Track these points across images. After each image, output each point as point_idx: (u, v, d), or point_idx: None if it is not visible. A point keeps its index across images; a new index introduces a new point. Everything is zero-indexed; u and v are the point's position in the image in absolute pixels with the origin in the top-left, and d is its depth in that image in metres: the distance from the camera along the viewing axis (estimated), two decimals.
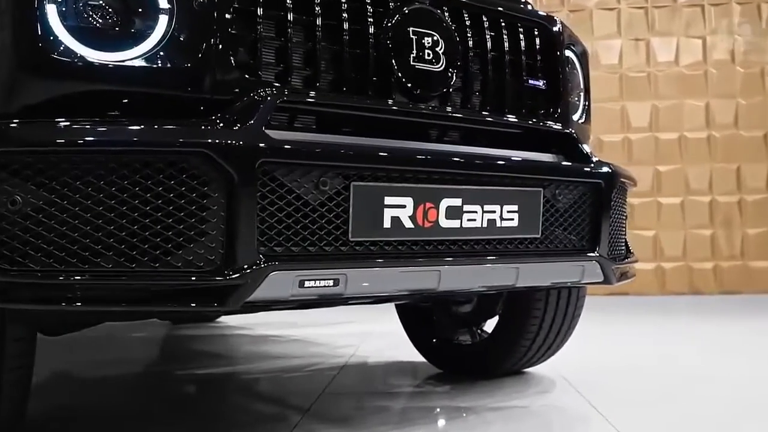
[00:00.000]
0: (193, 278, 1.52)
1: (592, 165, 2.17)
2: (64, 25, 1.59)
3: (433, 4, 1.98)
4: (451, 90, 2.01)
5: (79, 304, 1.51)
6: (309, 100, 1.74)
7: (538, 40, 2.23)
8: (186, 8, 1.65)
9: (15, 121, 1.54)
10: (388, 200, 1.75)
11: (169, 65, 1.64)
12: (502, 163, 1.97)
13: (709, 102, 6.57)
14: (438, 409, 2.42)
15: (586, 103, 2.55)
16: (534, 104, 2.22)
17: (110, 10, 1.63)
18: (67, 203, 1.49)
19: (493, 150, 2.04)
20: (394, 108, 1.86)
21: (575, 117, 2.47)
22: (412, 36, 1.92)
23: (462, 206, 1.87)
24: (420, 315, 3.06)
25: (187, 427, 2.25)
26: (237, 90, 1.67)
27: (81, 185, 1.49)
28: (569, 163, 2.16)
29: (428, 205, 1.82)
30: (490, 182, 1.93)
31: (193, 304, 1.54)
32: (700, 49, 6.63)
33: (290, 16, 1.75)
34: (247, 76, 1.69)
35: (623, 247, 2.40)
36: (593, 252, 2.15)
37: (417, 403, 2.53)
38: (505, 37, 2.13)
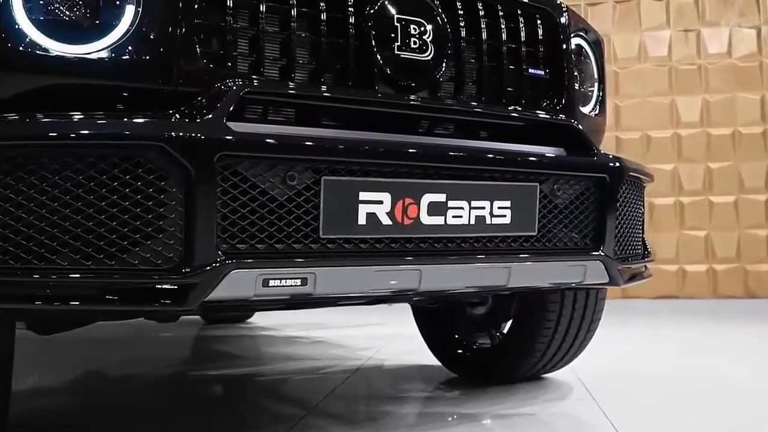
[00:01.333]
0: (148, 277, 1.47)
1: (596, 158, 2.04)
2: (30, 19, 1.55)
3: None
4: (441, 80, 1.91)
5: (35, 302, 1.47)
6: (278, 91, 1.67)
7: (540, 28, 2.11)
8: None
9: None
10: (363, 195, 1.66)
11: (136, 57, 1.59)
12: (492, 156, 1.85)
13: (764, 95, 6.26)
14: (439, 415, 2.32)
15: (601, 94, 2.41)
16: (535, 95, 2.10)
17: (76, 1, 1.59)
18: (22, 199, 1.45)
19: (486, 143, 1.94)
20: (371, 99, 1.77)
21: (586, 109, 2.33)
22: (396, 23, 1.82)
23: (446, 202, 1.77)
24: (435, 317, 2.95)
25: (182, 424, 2.21)
26: (206, 82, 1.61)
27: (35, 180, 1.45)
28: (570, 157, 2.03)
29: (408, 200, 1.72)
30: (479, 177, 1.82)
31: (148, 304, 1.49)
32: (755, 40, 6.32)
33: (263, 6, 1.68)
34: (216, 67, 1.63)
35: (637, 246, 2.25)
36: (597, 251, 2.02)
37: (419, 409, 2.43)
38: (502, 24, 2.01)
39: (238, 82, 1.62)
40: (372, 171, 1.68)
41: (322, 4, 1.75)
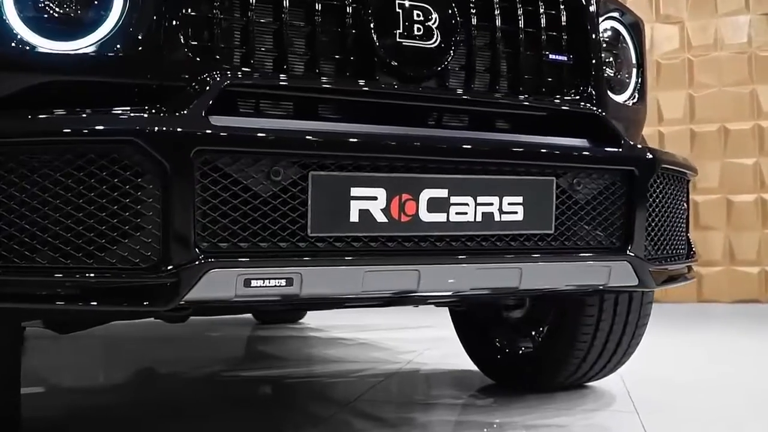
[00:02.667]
0: (123, 276, 1.42)
1: (622, 149, 1.88)
2: (20, 17, 1.53)
3: None
4: (449, 69, 1.79)
5: (11, 301, 1.45)
6: (264, 83, 1.59)
7: (563, 10, 1.96)
8: None
9: None
10: (355, 191, 1.57)
11: (124, 52, 1.54)
12: (501, 148, 1.72)
13: None
14: (465, 424, 2.20)
15: (639, 80, 2.23)
16: (557, 83, 1.95)
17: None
18: (2, 197, 1.43)
19: (494, 134, 1.81)
20: (365, 90, 1.67)
21: (622, 97, 2.17)
22: (398, 10, 1.72)
23: (448, 198, 1.65)
24: (472, 320, 2.83)
25: (203, 421, 2.18)
26: (195, 75, 1.55)
27: (15, 178, 1.42)
28: (592, 148, 1.87)
29: (405, 196, 1.61)
30: (485, 170, 1.70)
31: (124, 304, 1.44)
32: None
33: None
34: (206, 59, 1.56)
35: (676, 246, 2.07)
36: (624, 251, 1.86)
37: (445, 416, 2.31)
38: (518, 6, 1.88)
39: (223, 74, 1.55)
40: (365, 166, 1.59)
41: None
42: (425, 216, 1.63)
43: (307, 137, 1.54)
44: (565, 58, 1.96)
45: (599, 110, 1.94)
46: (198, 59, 1.56)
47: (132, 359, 3.63)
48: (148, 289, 1.42)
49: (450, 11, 1.77)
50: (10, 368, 1.79)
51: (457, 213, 1.66)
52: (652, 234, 1.95)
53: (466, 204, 1.67)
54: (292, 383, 2.95)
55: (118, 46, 1.53)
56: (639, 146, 1.93)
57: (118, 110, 1.46)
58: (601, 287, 1.89)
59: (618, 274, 1.86)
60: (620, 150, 1.87)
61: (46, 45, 1.52)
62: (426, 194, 1.63)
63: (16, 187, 1.41)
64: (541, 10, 1.91)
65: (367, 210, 1.58)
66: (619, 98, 2.15)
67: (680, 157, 2.12)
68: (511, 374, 2.70)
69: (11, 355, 1.79)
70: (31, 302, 1.46)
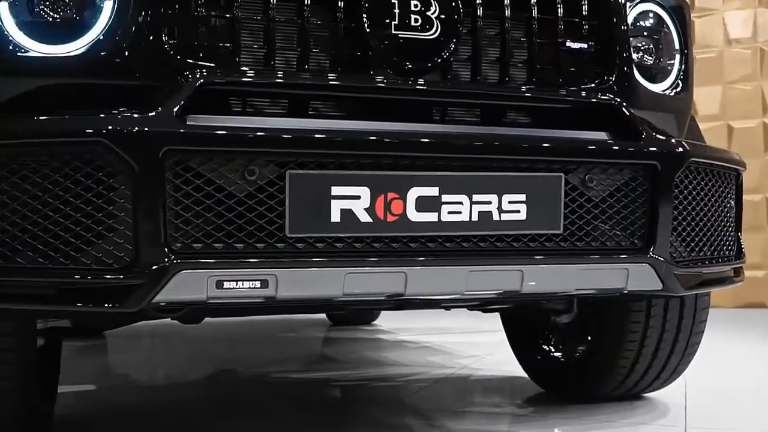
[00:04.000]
0: (94, 277, 1.42)
1: (643, 142, 1.72)
2: (15, 22, 1.56)
3: None
4: (452, 60, 1.70)
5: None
6: (241, 80, 1.55)
7: None
8: None
9: None
10: (336, 190, 1.51)
11: (111, 55, 1.55)
12: (497, 144, 1.62)
13: None
14: None
15: (683, 67, 2.05)
16: (577, 73, 1.81)
17: (57, 3, 1.58)
18: None
19: (494, 129, 1.70)
20: (351, 85, 1.60)
21: (662, 86, 1.99)
22: (393, 1, 1.65)
23: (440, 196, 1.57)
24: (522, 326, 2.70)
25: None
26: (174, 75, 1.54)
27: None
28: (609, 141, 1.73)
29: (391, 195, 1.54)
30: (482, 167, 1.60)
31: (93, 305, 1.44)
32: None
33: None
34: (184, 59, 1.54)
35: (719, 247, 1.89)
36: (645, 253, 1.71)
37: (473, 425, 2.20)
38: None
39: (200, 73, 1.53)
40: (348, 163, 1.53)
41: None
42: (413, 215, 1.56)
43: (283, 135, 1.50)
44: (585, 46, 1.83)
45: (620, 101, 1.79)
46: (179, 59, 1.54)
47: (200, 357, 3.72)
48: (119, 290, 1.42)
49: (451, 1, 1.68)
50: (21, 370, 1.81)
51: (449, 212, 1.58)
52: (684, 234, 1.79)
53: (460, 203, 1.58)
54: (335, 386, 2.91)
55: (104, 49, 1.54)
56: (666, 138, 1.77)
57: (92, 112, 1.47)
58: (619, 292, 1.75)
59: (637, 277, 1.71)
60: (640, 143, 1.72)
61: (38, 48, 1.54)
62: (414, 193, 1.55)
63: None
64: None
65: (350, 210, 1.52)
66: (658, 87, 1.99)
67: (722, 151, 1.94)
68: (558, 382, 2.55)
69: (21, 357, 1.80)
70: (8, 303, 1.48)
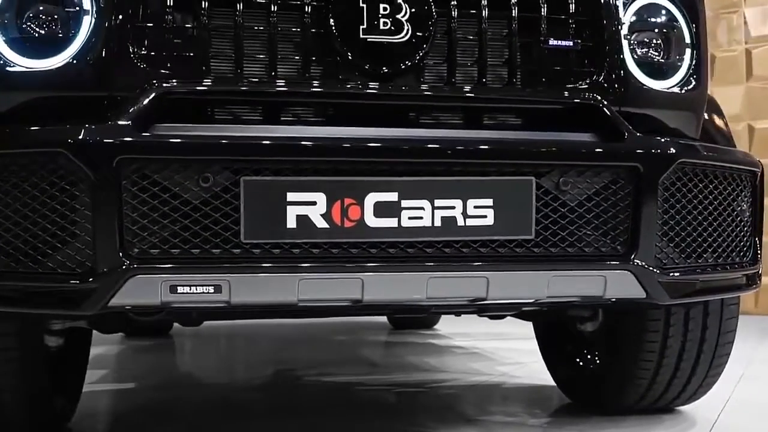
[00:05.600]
0: (54, 281, 1.49)
1: (625, 143, 1.63)
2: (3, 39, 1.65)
3: None
4: (424, 63, 1.67)
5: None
6: (200, 89, 1.58)
7: None
8: (103, 11, 1.61)
9: None
10: (291, 196, 1.52)
11: (87, 67, 1.60)
12: (461, 148, 1.57)
13: None
14: None
15: (694, 62, 1.93)
16: (562, 71, 1.74)
17: (39, 19, 1.66)
18: None
19: (458, 132, 1.65)
20: (311, 91, 1.60)
21: (669, 83, 1.88)
22: (362, 4, 1.64)
23: (399, 201, 1.54)
24: (551, 334, 2.61)
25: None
26: (138, 85, 1.58)
27: None
28: (587, 143, 1.65)
29: (348, 201, 1.53)
30: (444, 171, 1.57)
31: (54, 307, 1.51)
32: None
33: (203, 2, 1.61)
34: (149, 69, 1.58)
35: (723, 253, 1.77)
36: (626, 259, 1.62)
37: None
38: None
39: (161, 82, 1.57)
40: (304, 170, 1.54)
41: None
42: (372, 221, 1.54)
43: (236, 143, 1.52)
44: (570, 44, 1.75)
45: (604, 100, 1.70)
46: (145, 70, 1.58)
47: (260, 358, 3.82)
48: (76, 294, 1.48)
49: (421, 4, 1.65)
50: (25, 369, 1.88)
51: (410, 218, 1.55)
52: (677, 239, 1.69)
53: (421, 208, 1.55)
54: (358, 390, 2.91)
55: (82, 62, 1.60)
56: (652, 139, 1.67)
57: (61, 123, 1.54)
58: (598, 300, 1.66)
59: (617, 285, 1.63)
60: (621, 144, 1.63)
61: (23, 63, 1.62)
62: (371, 198, 1.54)
63: None
64: None
65: (306, 215, 1.52)
66: (663, 84, 1.88)
67: (731, 152, 1.81)
68: (583, 392, 2.46)
69: (25, 356, 1.89)
70: None
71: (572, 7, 1.75)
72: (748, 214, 1.85)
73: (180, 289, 1.49)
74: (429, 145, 1.58)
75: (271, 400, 2.75)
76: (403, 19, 1.63)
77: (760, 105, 5.16)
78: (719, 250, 1.77)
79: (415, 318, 4.46)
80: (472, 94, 1.67)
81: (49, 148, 1.49)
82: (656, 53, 1.89)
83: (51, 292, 1.50)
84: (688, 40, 1.93)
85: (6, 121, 1.57)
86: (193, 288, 1.50)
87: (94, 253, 1.47)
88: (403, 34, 1.63)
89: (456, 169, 1.58)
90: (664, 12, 1.91)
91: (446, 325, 4.61)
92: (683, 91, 1.91)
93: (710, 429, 2.16)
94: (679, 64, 1.92)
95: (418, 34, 1.63)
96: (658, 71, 1.88)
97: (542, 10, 1.72)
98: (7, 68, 1.60)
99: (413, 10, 1.63)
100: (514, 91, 1.69)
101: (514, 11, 1.70)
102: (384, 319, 4.61)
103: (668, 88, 1.88)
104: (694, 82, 1.92)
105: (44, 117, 1.57)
